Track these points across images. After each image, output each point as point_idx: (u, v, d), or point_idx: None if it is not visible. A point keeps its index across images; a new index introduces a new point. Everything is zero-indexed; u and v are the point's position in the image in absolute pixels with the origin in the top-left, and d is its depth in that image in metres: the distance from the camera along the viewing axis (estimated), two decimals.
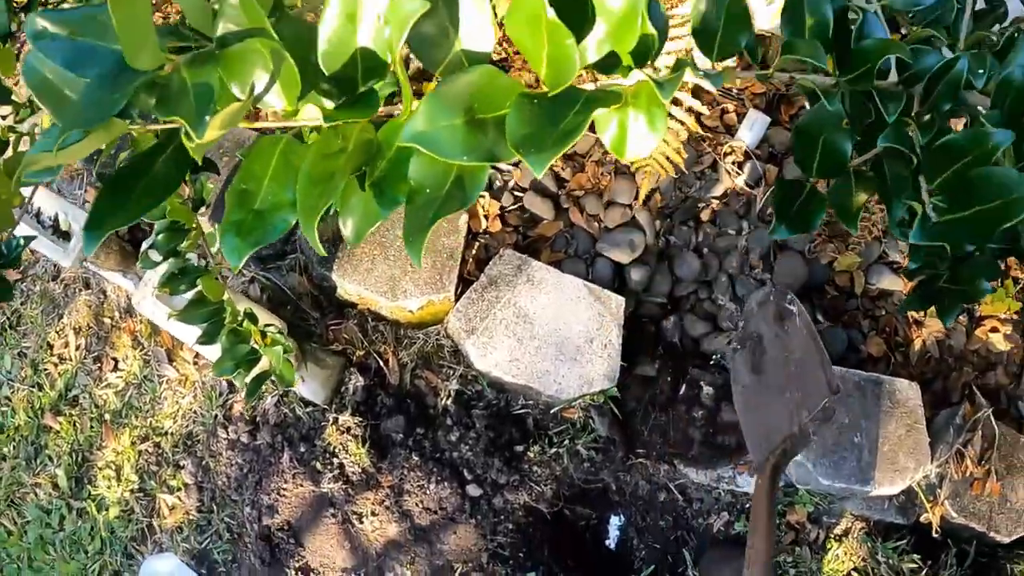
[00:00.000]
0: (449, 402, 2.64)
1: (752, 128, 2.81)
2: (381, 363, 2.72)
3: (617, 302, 2.55)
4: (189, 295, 1.98)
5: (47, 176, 0.93)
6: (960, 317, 2.82)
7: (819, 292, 2.80)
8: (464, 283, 2.62)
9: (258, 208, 0.79)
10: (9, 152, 1.63)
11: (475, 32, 0.81)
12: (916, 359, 2.77)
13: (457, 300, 2.57)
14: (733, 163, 2.82)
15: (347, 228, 0.82)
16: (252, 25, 0.74)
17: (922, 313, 2.79)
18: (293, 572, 2.70)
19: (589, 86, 0.83)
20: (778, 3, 2.52)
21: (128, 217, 0.77)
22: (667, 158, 2.63)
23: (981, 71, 1.07)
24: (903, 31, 1.33)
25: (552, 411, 2.60)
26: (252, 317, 2.03)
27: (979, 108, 1.11)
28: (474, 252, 2.68)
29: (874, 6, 1.18)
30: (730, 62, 0.99)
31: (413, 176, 0.78)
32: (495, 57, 2.74)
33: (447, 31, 0.81)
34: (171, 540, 2.95)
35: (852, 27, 1.11)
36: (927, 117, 1.06)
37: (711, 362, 2.73)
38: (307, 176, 0.77)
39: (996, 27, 1.38)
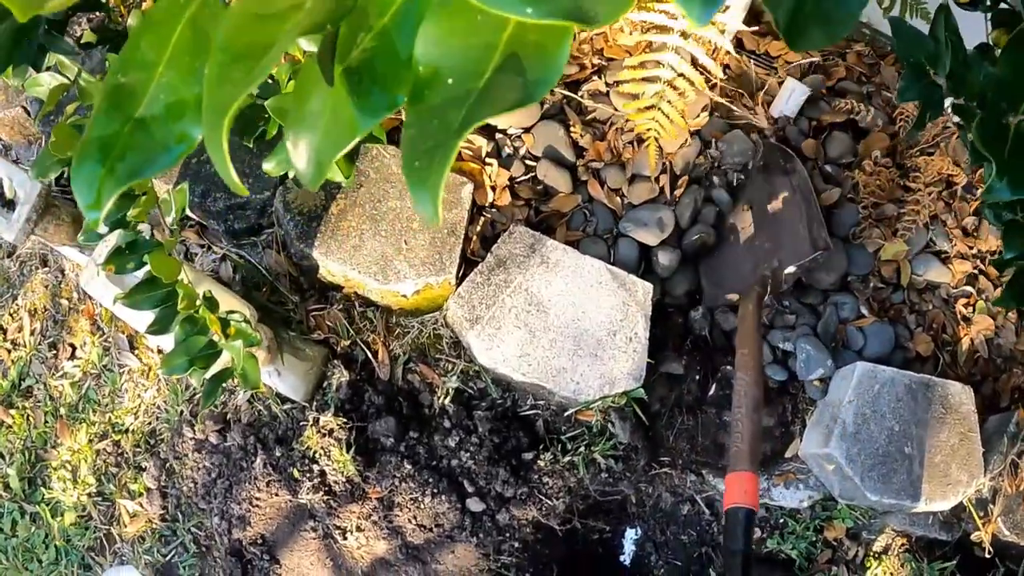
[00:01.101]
0: (447, 401, 2.38)
1: (790, 98, 2.56)
2: (369, 355, 2.45)
3: (644, 289, 2.28)
4: (141, 273, 1.68)
5: None
6: (1010, 314, 2.65)
7: (863, 282, 2.56)
8: (467, 264, 2.33)
9: (142, 115, 0.45)
10: None
11: None
12: (964, 359, 2.57)
13: (459, 284, 2.28)
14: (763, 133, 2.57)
15: (299, 153, 0.46)
16: None
17: (970, 308, 2.61)
18: None
19: None
20: None
21: None
22: (670, 120, 2.37)
23: None
24: None
25: (566, 413, 2.34)
26: (212, 303, 1.71)
27: None
28: (479, 228, 2.38)
29: None
30: None
31: (423, 55, 0.43)
32: None
33: None
34: (132, 551, 2.72)
35: None
36: None
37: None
38: (224, 48, 0.42)
39: None
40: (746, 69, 2.67)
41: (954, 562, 2.43)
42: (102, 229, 1.68)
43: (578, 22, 0.38)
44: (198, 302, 1.72)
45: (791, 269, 2.35)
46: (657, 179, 2.48)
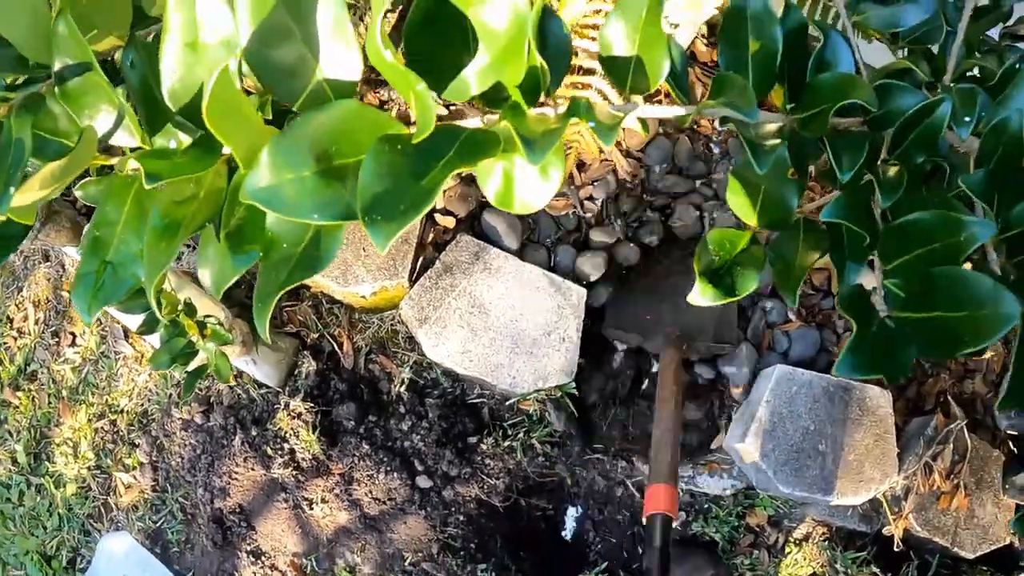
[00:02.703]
0: (403, 389, 2.59)
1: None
2: (335, 347, 2.67)
3: (579, 294, 2.47)
4: None
5: None
6: None
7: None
8: (423, 268, 2.54)
9: (111, 259, 0.74)
10: None
11: (335, 56, 0.71)
12: None
13: (412, 285, 2.49)
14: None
15: (205, 279, 0.76)
16: (80, 60, 0.67)
17: None
18: (245, 555, 2.67)
19: (474, 122, 0.75)
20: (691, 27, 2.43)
21: None
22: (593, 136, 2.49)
23: (968, 118, 0.89)
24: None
25: (508, 402, 2.55)
26: (190, 309, 1.98)
27: (967, 154, 0.91)
28: (431, 237, 2.59)
29: (842, 23, 1.04)
30: (639, 102, 0.84)
31: (271, 227, 0.71)
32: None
33: (306, 58, 0.71)
34: (127, 518, 2.92)
35: (812, 51, 0.92)
36: (893, 171, 0.90)
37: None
38: (155, 228, 0.70)
39: (996, 34, 1.23)
40: (696, 81, 2.77)
41: (866, 552, 2.51)
42: None
43: (350, 220, 0.67)
44: (179, 307, 1.99)
45: (698, 345, 2.51)
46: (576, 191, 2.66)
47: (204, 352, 2.00)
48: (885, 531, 2.47)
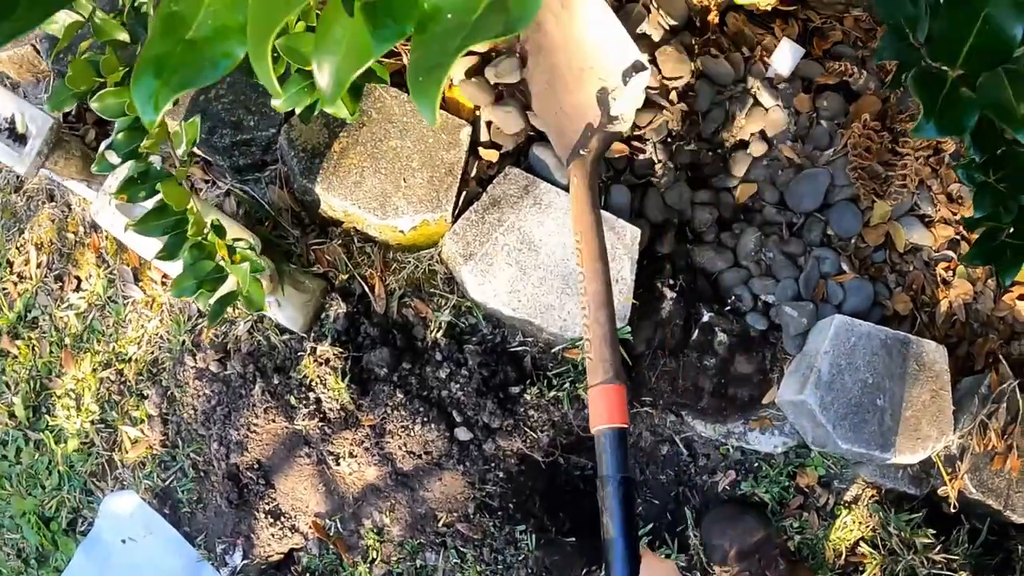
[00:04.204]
0: (439, 335, 2.44)
1: (784, 57, 2.59)
2: (366, 288, 2.51)
3: (632, 234, 2.33)
4: (150, 203, 1.77)
5: None
6: (989, 280, 2.69)
7: (843, 240, 2.61)
8: (465, 204, 2.39)
9: (192, 36, 0.54)
10: None
11: None
12: (942, 321, 2.62)
13: (455, 221, 2.34)
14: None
15: (323, 74, 0.56)
16: None
17: (950, 272, 2.66)
18: (262, 515, 2.55)
19: None
20: None
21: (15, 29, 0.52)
22: None
23: None
24: None
25: (553, 351, 2.41)
26: (219, 230, 1.79)
27: None
28: (475, 172, 2.43)
29: None
30: None
31: None
32: None
33: None
34: (133, 476, 2.80)
35: None
36: None
37: (727, 307, 2.54)
38: None
39: None
40: (743, 27, 2.70)
41: (920, 515, 2.48)
42: (114, 160, 1.76)
43: None
44: (206, 229, 1.80)
45: (615, 94, 2.10)
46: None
47: (235, 275, 1.81)
48: (940, 492, 2.48)
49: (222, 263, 1.80)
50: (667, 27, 2.54)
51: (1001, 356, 2.57)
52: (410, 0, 0.53)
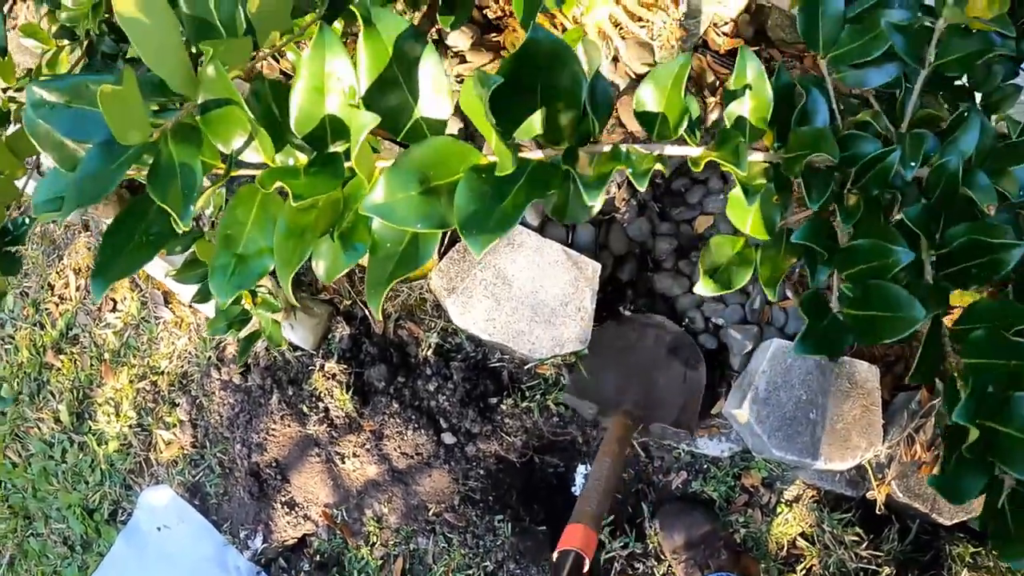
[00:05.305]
0: (429, 353, 2.70)
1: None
2: (367, 313, 2.79)
3: (594, 268, 2.58)
4: (186, 254, 2.07)
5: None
6: None
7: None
8: (449, 244, 2.64)
9: (241, 252, 0.92)
10: (11, 127, 1.73)
11: (431, 102, 0.92)
12: None
13: (440, 259, 2.60)
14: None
15: (319, 269, 0.95)
16: (225, 96, 0.85)
17: None
18: (279, 505, 2.81)
19: (536, 154, 0.95)
20: None
21: (125, 271, 0.87)
22: None
23: (914, 163, 1.12)
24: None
25: (527, 367, 2.66)
26: None
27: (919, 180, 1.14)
28: None
29: (826, 82, 1.24)
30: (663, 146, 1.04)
31: (375, 231, 0.90)
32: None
33: (408, 101, 0.92)
34: (167, 473, 3.03)
35: (797, 103, 1.14)
36: (853, 200, 1.12)
37: (682, 326, 2.75)
38: (283, 231, 0.89)
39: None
40: (706, 67, 2.80)
41: (851, 515, 2.58)
42: None
43: (443, 228, 0.86)
44: None
45: (655, 427, 2.56)
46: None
47: (258, 318, 2.16)
48: (869, 495, 2.57)
49: (247, 307, 2.15)
50: (633, 75, 2.76)
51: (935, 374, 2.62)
52: (365, 229, 0.91)
